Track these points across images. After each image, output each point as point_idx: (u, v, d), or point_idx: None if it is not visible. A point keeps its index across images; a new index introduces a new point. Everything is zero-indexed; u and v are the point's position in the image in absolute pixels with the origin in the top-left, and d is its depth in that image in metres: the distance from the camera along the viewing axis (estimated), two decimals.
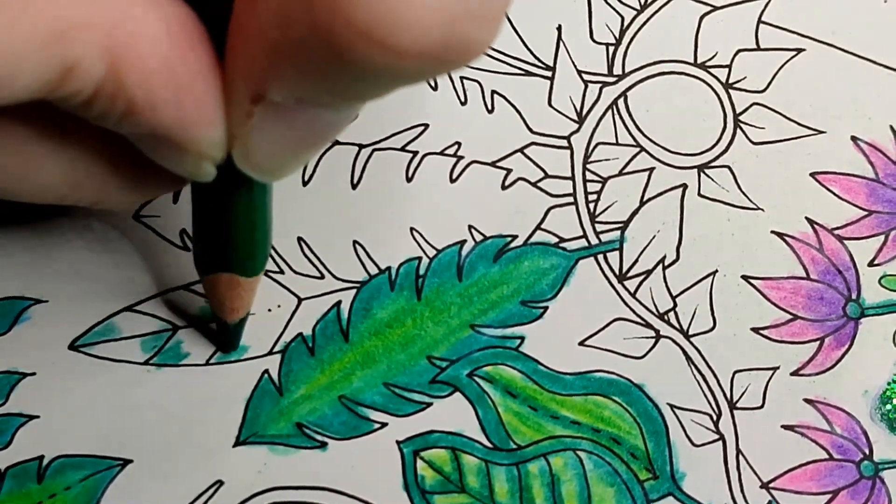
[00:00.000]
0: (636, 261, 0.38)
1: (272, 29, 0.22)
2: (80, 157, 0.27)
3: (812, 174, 0.39)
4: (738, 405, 0.37)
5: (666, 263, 0.38)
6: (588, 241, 0.38)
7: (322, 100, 0.24)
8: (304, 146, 0.26)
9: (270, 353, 0.35)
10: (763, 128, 0.40)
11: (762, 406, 0.37)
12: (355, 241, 0.36)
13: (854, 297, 0.38)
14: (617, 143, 0.39)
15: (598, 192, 0.38)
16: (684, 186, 0.39)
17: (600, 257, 0.38)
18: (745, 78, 0.40)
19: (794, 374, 0.37)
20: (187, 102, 0.24)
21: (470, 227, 0.37)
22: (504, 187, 0.38)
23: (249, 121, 0.24)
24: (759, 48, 0.40)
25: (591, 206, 0.38)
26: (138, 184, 0.29)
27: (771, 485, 0.36)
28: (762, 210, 0.39)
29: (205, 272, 0.32)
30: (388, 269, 0.36)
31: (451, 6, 0.20)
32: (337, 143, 0.37)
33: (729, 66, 0.40)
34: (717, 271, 0.38)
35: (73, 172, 0.28)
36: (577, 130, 0.39)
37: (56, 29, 0.22)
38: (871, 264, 0.39)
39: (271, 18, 0.22)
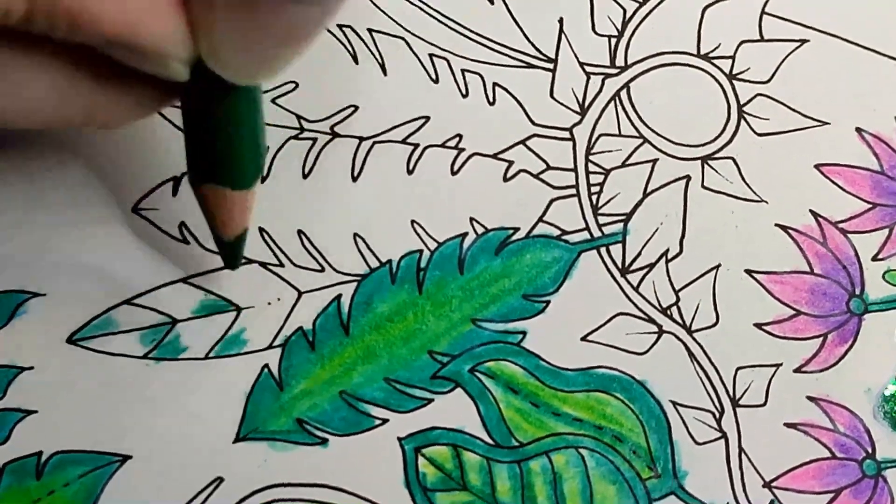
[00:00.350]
0: (639, 254, 0.38)
1: None
2: (61, 69, 0.27)
3: (816, 166, 0.39)
4: (741, 402, 0.37)
5: (669, 257, 0.38)
6: (591, 234, 0.38)
7: None
8: (273, 44, 0.26)
9: (270, 346, 0.35)
10: (767, 119, 0.39)
11: (765, 403, 0.37)
12: (356, 234, 0.36)
13: (858, 292, 0.38)
14: (619, 135, 0.39)
15: (601, 184, 0.38)
16: (688, 178, 0.38)
17: (603, 250, 0.37)
18: (748, 69, 0.40)
19: (797, 370, 0.37)
20: (131, 4, 0.24)
21: (471, 219, 0.37)
22: (506, 179, 0.38)
23: (212, 12, 0.24)
24: (762, 39, 0.40)
25: (594, 198, 0.38)
26: (125, 94, 0.28)
27: (773, 484, 0.36)
28: (766, 202, 0.39)
29: (193, 183, 0.32)
30: (389, 262, 0.36)
31: None
32: (337, 135, 0.37)
33: (732, 57, 0.40)
34: (720, 265, 0.38)
35: (58, 87, 0.27)
36: (580, 122, 0.38)
37: None
38: (874, 259, 0.39)
39: None
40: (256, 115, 0.30)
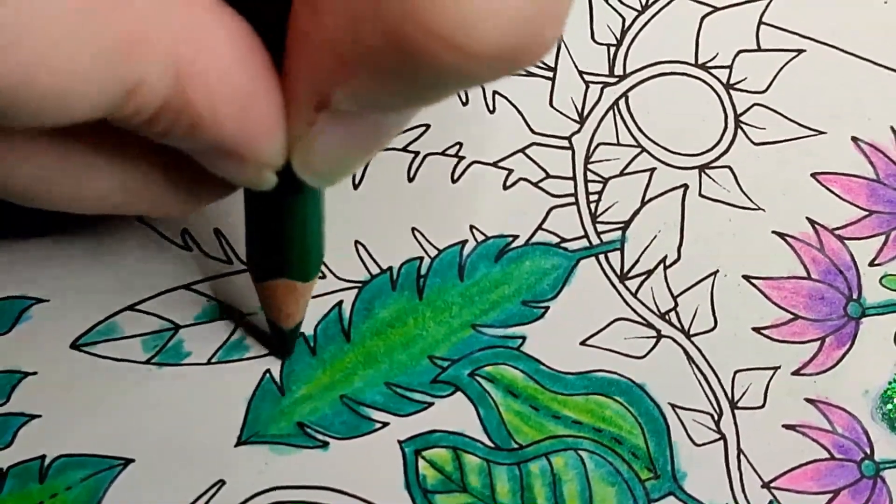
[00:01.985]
0: (637, 261, 0.38)
1: (340, 36, 0.21)
2: (137, 167, 0.27)
3: (813, 174, 0.39)
4: (740, 405, 0.37)
5: (667, 263, 0.38)
6: (589, 241, 0.38)
7: (388, 105, 0.24)
8: (364, 150, 0.26)
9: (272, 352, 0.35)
10: (764, 128, 0.40)
11: (763, 406, 0.37)
12: (357, 241, 0.36)
13: (855, 296, 0.38)
14: (618, 144, 0.39)
15: (600, 193, 0.38)
16: (685, 187, 0.39)
17: (601, 257, 0.38)
18: (745, 78, 0.40)
19: (795, 373, 0.37)
20: (250, 115, 0.24)
21: (471, 227, 0.37)
22: (505, 187, 0.38)
23: (311, 128, 0.24)
24: (759, 49, 0.40)
25: (593, 206, 0.38)
26: (194, 192, 0.29)
27: (772, 484, 0.36)
28: (763, 210, 0.39)
29: (261, 279, 0.32)
30: (390, 268, 0.36)
31: (525, 8, 0.20)
32: None
33: (730, 67, 0.40)
34: (717, 271, 0.38)
35: (130, 182, 0.27)
36: (579, 131, 0.39)
37: (121, 45, 0.21)
38: (871, 264, 0.39)
39: (339, 25, 0.21)
40: (321, 210, 0.31)
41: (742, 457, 0.36)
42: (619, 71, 0.40)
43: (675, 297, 0.37)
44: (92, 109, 0.22)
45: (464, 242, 0.37)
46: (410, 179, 0.37)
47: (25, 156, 0.25)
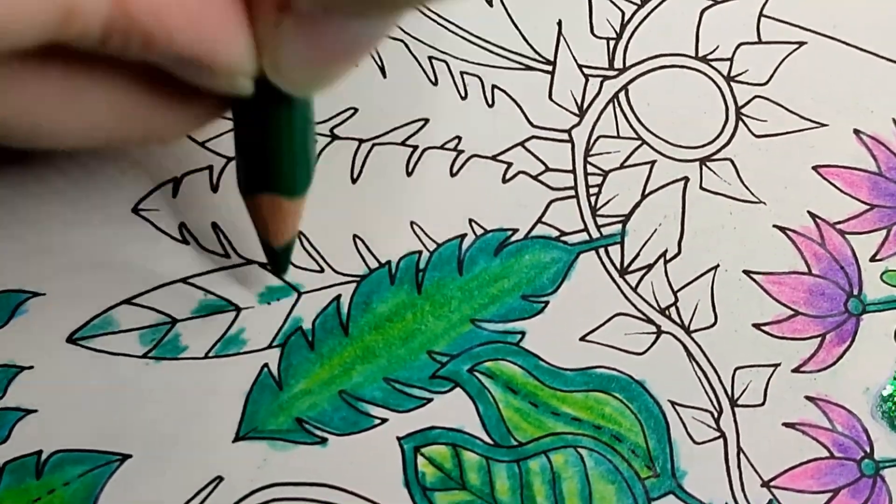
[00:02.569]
0: (637, 254, 0.38)
1: None
2: (121, 88, 0.27)
3: (814, 167, 0.39)
4: (740, 402, 0.37)
5: (667, 257, 0.38)
6: (589, 235, 0.38)
7: (349, 8, 0.24)
8: (336, 59, 0.26)
9: (270, 346, 0.35)
10: (765, 121, 0.39)
11: (763, 403, 0.37)
12: (355, 235, 0.36)
13: (856, 292, 0.38)
14: (618, 137, 0.39)
15: (600, 186, 0.38)
16: (686, 179, 0.39)
17: (601, 251, 0.38)
18: (746, 71, 0.40)
19: (796, 370, 0.37)
20: (204, 23, 0.24)
21: (470, 220, 0.37)
22: (505, 181, 0.38)
23: (277, 31, 0.24)
24: (760, 41, 0.40)
25: (593, 199, 0.38)
26: (184, 110, 0.29)
27: (772, 483, 0.36)
28: (764, 203, 0.39)
29: (247, 193, 0.32)
30: (389, 262, 0.36)
31: None
32: (337, 137, 0.37)
33: (730, 60, 0.40)
34: (718, 266, 0.38)
35: (117, 105, 0.27)
36: (578, 124, 0.39)
37: None
38: (872, 259, 0.39)
39: None
40: (309, 124, 0.31)
41: (742, 455, 0.36)
42: (618, 64, 0.39)
43: (675, 292, 0.37)
44: (33, 33, 0.22)
45: (463, 236, 0.37)
46: (409, 173, 0.37)
47: (9, 89, 0.26)
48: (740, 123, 0.39)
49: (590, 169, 0.38)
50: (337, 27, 0.25)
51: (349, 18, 0.25)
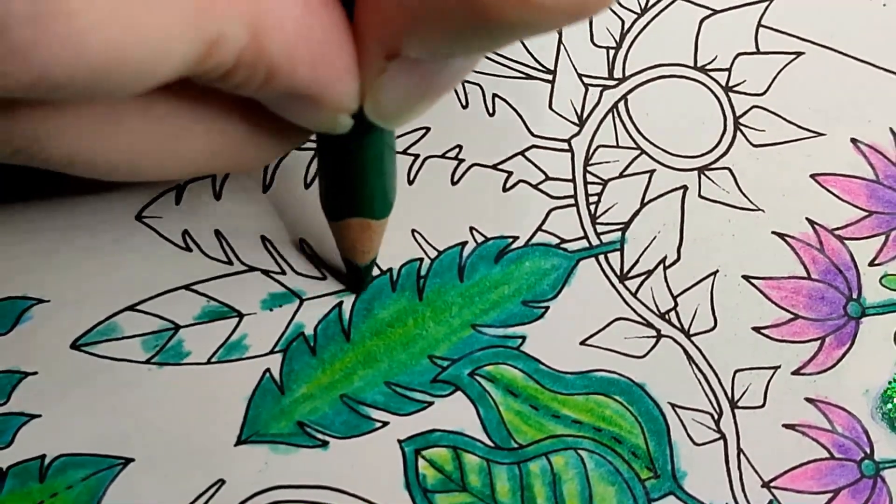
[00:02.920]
0: (637, 261, 0.38)
1: None
2: (218, 124, 0.28)
3: (812, 176, 0.40)
4: (740, 404, 0.37)
5: (667, 264, 0.38)
6: (589, 242, 0.38)
7: (456, 53, 0.25)
8: (432, 94, 0.27)
9: (272, 352, 0.35)
10: (763, 130, 0.40)
11: (763, 405, 0.37)
12: None
13: (855, 296, 0.38)
14: (617, 146, 0.39)
15: (599, 194, 0.38)
16: (685, 188, 0.39)
17: (601, 258, 0.38)
18: (744, 81, 0.40)
19: (795, 373, 0.37)
20: (324, 61, 0.25)
21: (471, 228, 0.37)
22: (505, 189, 0.38)
23: (382, 75, 0.25)
24: (758, 51, 0.40)
25: (592, 207, 0.38)
26: (273, 142, 0.29)
27: (772, 484, 0.36)
28: (762, 211, 0.39)
29: (335, 218, 0.33)
30: (390, 270, 0.37)
31: None
32: None
33: (729, 70, 0.40)
34: (717, 271, 0.38)
35: (215, 142, 0.28)
36: (578, 133, 0.39)
37: (201, 3, 0.22)
38: (871, 264, 0.39)
39: None
40: (392, 150, 0.32)
41: (742, 456, 0.36)
42: (618, 74, 0.40)
43: (674, 297, 0.37)
44: (176, 67, 0.23)
45: (464, 244, 0.37)
46: (410, 182, 0.37)
47: (118, 128, 0.26)
48: (738, 133, 0.40)
49: (589, 178, 0.38)
50: (440, 67, 0.26)
51: (452, 59, 0.25)
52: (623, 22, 0.40)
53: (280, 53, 0.24)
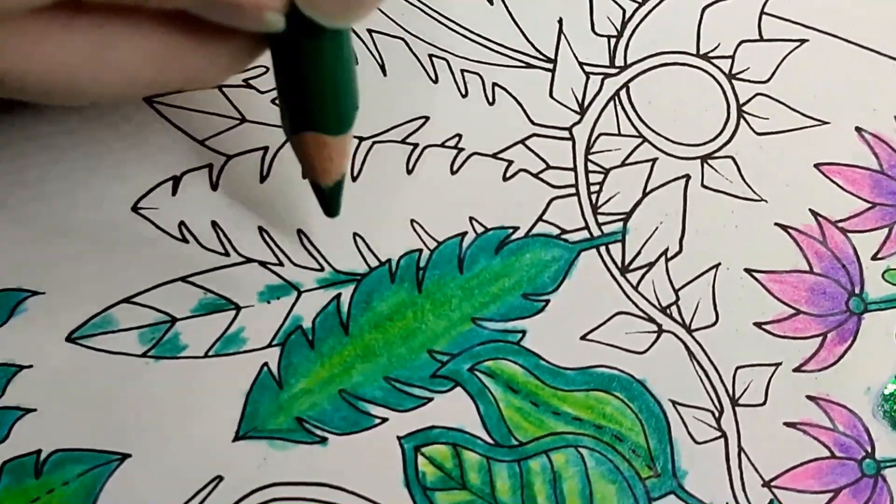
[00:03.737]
0: (638, 253, 0.38)
1: None
2: (155, 36, 0.28)
3: (816, 165, 0.39)
4: (741, 402, 0.37)
5: (669, 256, 0.38)
6: (590, 233, 0.38)
7: None
8: None
9: (270, 345, 0.35)
10: (767, 118, 0.39)
11: (764, 403, 0.37)
12: (355, 234, 0.36)
13: (857, 291, 0.38)
14: (619, 134, 0.39)
15: (601, 183, 0.38)
16: (687, 177, 0.38)
17: (602, 249, 0.37)
18: (748, 68, 0.40)
19: (797, 370, 0.37)
20: None
21: (471, 218, 0.37)
22: (505, 179, 0.38)
23: None
24: (762, 39, 0.40)
25: (594, 197, 0.38)
26: (219, 50, 0.29)
27: (773, 483, 0.36)
28: (766, 201, 0.39)
29: (290, 132, 0.32)
30: (389, 261, 0.36)
31: None
32: None
33: (732, 57, 0.40)
34: (719, 264, 0.38)
35: (155, 54, 0.28)
36: (579, 121, 0.38)
37: None
38: (874, 258, 0.39)
39: None
40: (349, 59, 0.31)
41: (743, 455, 0.36)
42: (619, 62, 0.39)
43: (676, 291, 0.37)
44: None
45: (463, 234, 0.37)
46: (410, 171, 0.37)
47: (41, 45, 0.26)
48: (742, 121, 0.39)
49: (591, 167, 0.38)
50: None
51: None
52: (624, 10, 0.40)
53: None
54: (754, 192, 0.39)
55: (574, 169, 0.38)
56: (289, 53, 0.30)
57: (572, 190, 0.38)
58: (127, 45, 0.27)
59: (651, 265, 0.37)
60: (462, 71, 0.38)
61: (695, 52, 0.40)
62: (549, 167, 0.38)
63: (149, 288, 0.35)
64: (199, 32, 0.28)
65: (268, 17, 0.27)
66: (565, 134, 0.38)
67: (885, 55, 0.41)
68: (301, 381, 0.35)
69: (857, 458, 0.37)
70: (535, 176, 0.38)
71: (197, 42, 0.28)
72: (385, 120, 0.37)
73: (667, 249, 0.38)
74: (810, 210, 0.39)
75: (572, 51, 0.39)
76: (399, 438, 0.35)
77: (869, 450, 0.37)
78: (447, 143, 0.37)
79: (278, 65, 0.31)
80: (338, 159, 0.33)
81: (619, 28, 0.39)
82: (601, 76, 0.39)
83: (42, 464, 0.33)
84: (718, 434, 0.36)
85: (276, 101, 0.36)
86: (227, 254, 0.35)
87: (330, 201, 0.35)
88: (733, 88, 0.39)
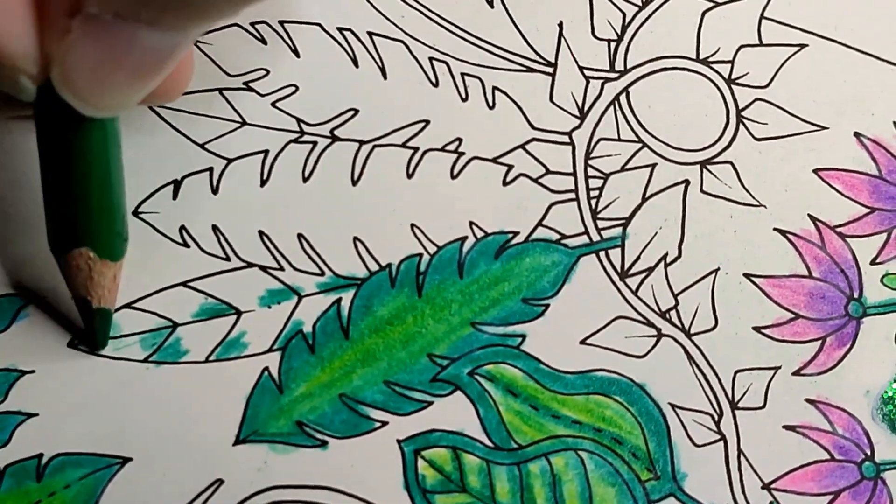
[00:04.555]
0: (638, 258, 0.38)
1: None
2: None
3: (815, 170, 0.39)
4: (740, 405, 0.37)
5: (668, 261, 0.38)
6: (590, 238, 0.38)
7: (140, 15, 0.24)
8: (125, 72, 0.26)
9: (270, 350, 0.35)
10: (766, 123, 0.39)
11: (763, 406, 0.37)
12: (356, 238, 0.36)
13: (856, 295, 0.38)
14: (619, 139, 0.39)
15: (600, 189, 0.38)
16: (686, 182, 0.38)
17: (602, 254, 0.37)
18: (747, 73, 0.40)
19: (796, 373, 0.37)
20: None
21: (471, 223, 0.37)
22: (505, 183, 0.38)
23: (67, 36, 0.24)
24: (761, 44, 0.40)
25: (593, 202, 0.38)
26: None
27: (772, 486, 0.36)
28: (765, 206, 0.39)
29: (58, 252, 0.31)
30: (389, 265, 0.36)
31: None
32: (337, 139, 0.37)
33: (731, 62, 0.40)
34: (719, 269, 0.38)
35: None
36: (579, 126, 0.39)
37: None
38: (873, 262, 0.39)
39: None
40: (116, 166, 0.30)
41: (742, 458, 0.36)
42: (619, 66, 0.39)
43: (675, 296, 0.37)
44: None
45: (463, 239, 0.37)
46: (409, 175, 0.37)
47: None
48: (741, 126, 0.39)
49: (590, 172, 0.38)
50: (128, 36, 0.25)
51: (141, 29, 0.24)
52: (624, 14, 0.40)
53: None
54: (753, 198, 0.39)
55: (574, 174, 0.38)
56: (53, 143, 0.29)
57: (572, 195, 0.38)
58: None
59: (650, 270, 0.38)
60: (462, 74, 0.38)
61: (694, 56, 0.40)
62: (548, 172, 0.38)
63: (150, 293, 0.35)
64: None
65: (22, 82, 0.26)
66: (565, 139, 0.38)
67: (884, 60, 0.41)
68: (301, 385, 0.35)
69: (857, 461, 0.37)
70: (535, 181, 0.38)
71: None
72: (385, 123, 0.37)
73: (666, 254, 0.38)
74: (809, 215, 0.39)
75: (572, 54, 0.39)
76: (399, 442, 0.35)
77: (868, 452, 0.37)
78: (447, 147, 0.37)
79: (43, 159, 0.30)
80: (108, 284, 0.32)
81: (619, 32, 0.39)
82: (601, 80, 0.39)
83: (43, 467, 0.33)
84: (718, 437, 0.36)
85: (277, 105, 0.36)
86: (227, 258, 0.36)
87: (97, 327, 0.33)
88: (733, 93, 0.40)
